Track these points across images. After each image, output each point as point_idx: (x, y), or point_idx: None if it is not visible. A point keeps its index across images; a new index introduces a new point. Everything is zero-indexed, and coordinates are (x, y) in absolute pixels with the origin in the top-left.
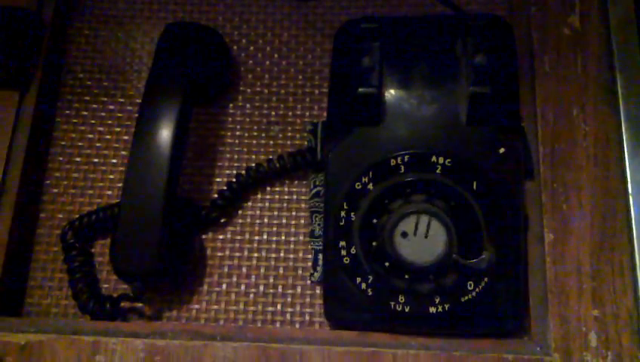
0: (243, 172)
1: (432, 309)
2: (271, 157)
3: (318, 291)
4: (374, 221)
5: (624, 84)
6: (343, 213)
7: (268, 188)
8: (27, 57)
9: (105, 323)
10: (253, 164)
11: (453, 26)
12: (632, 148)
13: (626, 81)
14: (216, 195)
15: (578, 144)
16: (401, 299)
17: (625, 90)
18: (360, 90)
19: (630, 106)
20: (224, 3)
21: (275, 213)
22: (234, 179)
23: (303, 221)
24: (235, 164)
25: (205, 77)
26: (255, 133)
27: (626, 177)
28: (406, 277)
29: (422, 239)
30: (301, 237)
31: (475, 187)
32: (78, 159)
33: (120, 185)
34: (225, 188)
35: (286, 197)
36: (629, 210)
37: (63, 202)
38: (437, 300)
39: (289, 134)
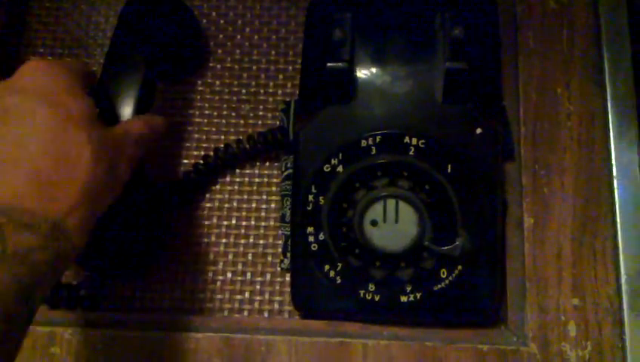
0: (211, 153)
1: (404, 298)
2: (241, 137)
3: (288, 279)
4: (344, 205)
5: (611, 61)
6: (310, 197)
7: (238, 171)
8: None
9: (61, 313)
10: (222, 145)
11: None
12: (618, 128)
13: (613, 58)
14: (182, 178)
15: (562, 124)
16: (372, 287)
17: (612, 68)
18: (329, 64)
19: (617, 85)
20: None
21: (245, 196)
22: (201, 161)
23: (274, 205)
24: (204, 145)
25: (171, 51)
26: (225, 112)
27: (610, 159)
28: (377, 264)
29: (392, 225)
30: (272, 222)
31: (449, 170)
32: None
33: None
34: (191, 169)
35: (257, 180)
36: (613, 194)
37: None
38: (409, 288)
39: (261, 113)
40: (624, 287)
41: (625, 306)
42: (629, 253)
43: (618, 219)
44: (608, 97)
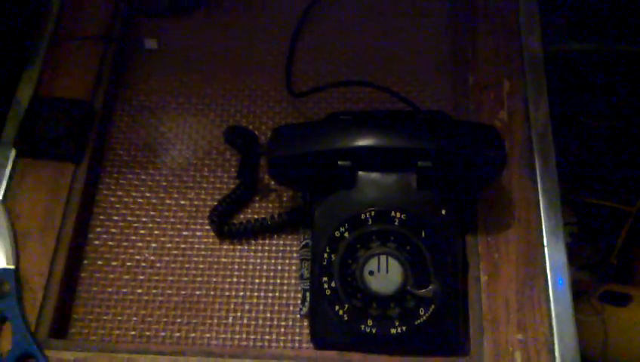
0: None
1: (393, 330)
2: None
3: (305, 323)
4: (349, 261)
5: (541, 163)
6: (325, 256)
7: (267, 241)
8: (81, 137)
9: (136, 344)
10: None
11: (408, 117)
12: (547, 211)
13: (542, 159)
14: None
15: (507, 208)
16: (370, 322)
17: (541, 167)
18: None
19: (545, 179)
20: (236, 98)
21: (272, 261)
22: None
23: (294, 267)
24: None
25: None
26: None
27: (542, 233)
28: (373, 304)
29: (384, 274)
30: (292, 281)
31: (423, 235)
32: (115, 218)
33: (149, 239)
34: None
35: (281, 248)
36: (544, 259)
37: (102, 252)
38: (397, 323)
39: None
40: (555, 327)
41: (556, 340)
42: (558, 301)
43: (549, 278)
44: (539, 189)
